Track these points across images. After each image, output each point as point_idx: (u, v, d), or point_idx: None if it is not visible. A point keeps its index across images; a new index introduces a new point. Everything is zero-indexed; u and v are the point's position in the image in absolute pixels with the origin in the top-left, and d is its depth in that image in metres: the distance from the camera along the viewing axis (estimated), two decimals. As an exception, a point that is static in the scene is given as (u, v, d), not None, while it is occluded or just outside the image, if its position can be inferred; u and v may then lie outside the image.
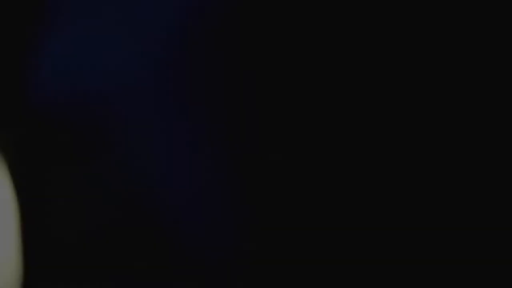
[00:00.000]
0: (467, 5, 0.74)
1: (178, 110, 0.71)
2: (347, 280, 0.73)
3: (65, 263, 0.75)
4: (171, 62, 0.71)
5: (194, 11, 0.72)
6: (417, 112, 0.74)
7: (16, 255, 0.76)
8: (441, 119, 0.74)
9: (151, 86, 0.72)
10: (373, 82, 0.74)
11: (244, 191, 0.71)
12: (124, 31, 0.73)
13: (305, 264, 0.72)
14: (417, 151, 0.73)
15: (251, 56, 0.72)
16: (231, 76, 0.71)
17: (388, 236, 0.74)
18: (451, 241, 0.74)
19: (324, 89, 0.73)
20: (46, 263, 0.76)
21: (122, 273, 0.73)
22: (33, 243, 0.76)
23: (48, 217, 0.76)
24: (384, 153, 0.74)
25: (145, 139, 0.71)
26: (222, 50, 0.71)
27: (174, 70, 0.71)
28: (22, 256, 0.76)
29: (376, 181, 0.73)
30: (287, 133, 0.71)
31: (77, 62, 0.73)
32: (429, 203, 0.73)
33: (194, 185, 0.72)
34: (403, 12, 0.74)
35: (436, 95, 0.74)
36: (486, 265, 0.74)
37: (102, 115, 0.72)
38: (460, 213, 0.74)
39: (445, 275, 0.74)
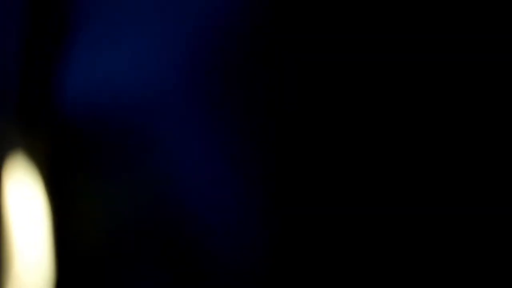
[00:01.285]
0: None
1: (208, 117, 0.71)
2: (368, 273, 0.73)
3: (92, 268, 0.75)
4: (199, 68, 0.71)
5: (222, 18, 0.72)
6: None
7: (48, 260, 0.75)
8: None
9: (180, 93, 0.71)
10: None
11: (272, 196, 0.71)
12: (155, 40, 0.72)
13: (331, 266, 0.72)
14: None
15: (278, 60, 0.72)
16: (256, 80, 0.71)
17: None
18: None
19: (344, 91, 0.73)
20: (74, 268, 0.75)
21: (148, 277, 0.73)
22: (63, 247, 0.75)
23: (78, 223, 0.75)
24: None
25: (175, 146, 0.71)
26: (248, 54, 0.71)
27: (202, 77, 0.71)
28: (53, 260, 0.75)
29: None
30: (310, 135, 0.71)
31: (108, 72, 0.73)
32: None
33: (225, 191, 0.72)
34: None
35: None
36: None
37: (132, 122, 0.71)
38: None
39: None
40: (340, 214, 0.73)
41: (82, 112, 0.72)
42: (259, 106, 0.71)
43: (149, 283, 0.72)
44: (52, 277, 0.75)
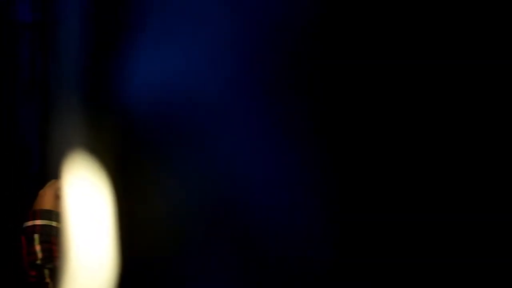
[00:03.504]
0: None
1: (263, 111, 0.71)
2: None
3: (157, 264, 0.75)
4: (254, 64, 0.71)
5: (276, 19, 0.72)
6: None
7: (111, 257, 0.76)
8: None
9: (244, 92, 0.71)
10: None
11: (331, 191, 0.70)
12: (214, 41, 0.72)
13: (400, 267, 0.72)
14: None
15: (334, 56, 0.71)
16: (314, 76, 0.70)
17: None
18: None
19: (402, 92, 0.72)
20: (136, 267, 0.75)
21: (214, 273, 0.73)
22: (128, 243, 0.75)
23: (143, 219, 0.76)
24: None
25: (239, 145, 0.71)
26: (303, 54, 0.70)
27: (259, 72, 0.70)
28: (117, 257, 0.75)
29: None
30: (373, 134, 0.71)
31: (169, 70, 0.73)
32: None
33: (279, 185, 0.71)
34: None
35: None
36: None
37: (188, 118, 0.71)
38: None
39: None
40: (393, 220, 0.72)
41: (146, 109, 0.72)
42: (321, 109, 0.70)
43: (216, 279, 0.72)
44: (116, 273, 0.75)
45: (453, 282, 0.76)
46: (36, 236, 2.11)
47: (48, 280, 2.07)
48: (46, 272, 2.08)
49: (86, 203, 0.77)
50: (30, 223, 2.14)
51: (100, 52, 0.79)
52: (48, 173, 3.34)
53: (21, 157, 3.50)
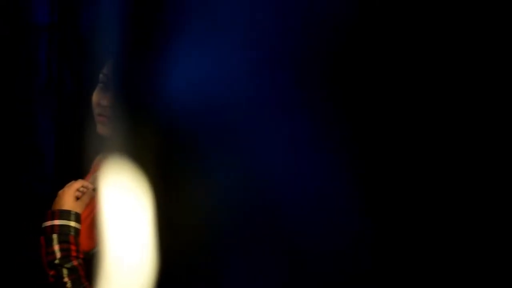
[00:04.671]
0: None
1: (301, 113, 0.72)
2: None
3: (192, 266, 0.76)
4: (291, 64, 0.72)
5: (309, 20, 0.72)
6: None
7: (150, 257, 0.76)
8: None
9: (277, 93, 0.72)
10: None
11: (367, 193, 0.71)
12: (249, 43, 0.73)
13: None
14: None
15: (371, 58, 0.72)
16: (352, 78, 0.71)
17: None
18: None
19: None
20: (174, 267, 0.76)
21: (248, 274, 0.73)
22: (164, 245, 0.76)
23: (178, 219, 0.76)
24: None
25: (268, 142, 0.72)
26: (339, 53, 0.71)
27: (296, 74, 0.71)
28: (155, 257, 0.76)
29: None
30: (407, 136, 0.71)
31: (206, 72, 0.74)
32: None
33: (315, 186, 0.72)
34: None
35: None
36: None
37: (226, 118, 0.72)
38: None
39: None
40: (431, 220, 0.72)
41: (185, 110, 0.73)
42: (357, 109, 0.71)
43: (253, 279, 0.73)
44: (154, 274, 0.76)
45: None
46: (55, 236, 2.13)
47: (66, 279, 2.09)
48: (65, 271, 2.09)
49: (124, 203, 0.78)
50: (48, 223, 2.16)
51: (139, 52, 0.81)
52: (63, 175, 3.36)
53: (37, 159, 3.52)
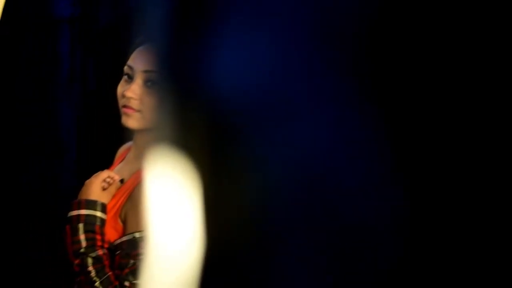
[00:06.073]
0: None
1: (345, 102, 0.73)
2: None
3: (240, 255, 0.77)
4: (336, 60, 0.73)
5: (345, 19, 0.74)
6: None
7: (197, 247, 0.78)
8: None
9: (320, 82, 0.74)
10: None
11: (411, 189, 0.73)
12: (290, 40, 0.75)
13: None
14: None
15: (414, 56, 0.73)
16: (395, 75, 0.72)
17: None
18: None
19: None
20: (221, 258, 0.78)
21: (297, 263, 0.75)
22: (211, 234, 0.78)
23: (225, 208, 0.78)
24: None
25: (315, 131, 0.73)
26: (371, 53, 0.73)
27: (338, 70, 0.73)
28: (202, 247, 0.77)
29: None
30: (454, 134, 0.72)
31: (250, 61, 0.75)
32: None
33: (359, 180, 0.74)
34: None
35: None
36: None
37: (273, 108, 0.74)
38: None
39: None
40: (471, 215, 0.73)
41: (232, 99, 0.74)
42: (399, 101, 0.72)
43: (302, 269, 0.74)
44: (200, 264, 0.77)
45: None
46: (81, 226, 2.15)
47: (90, 268, 2.11)
48: (89, 260, 2.11)
49: (171, 194, 0.79)
50: (75, 212, 2.17)
51: (185, 41, 0.82)
52: (86, 167, 3.38)
53: (60, 151, 3.55)
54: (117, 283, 2.08)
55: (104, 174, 2.23)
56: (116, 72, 2.35)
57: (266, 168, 0.80)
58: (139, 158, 2.26)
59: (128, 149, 2.40)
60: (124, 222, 2.17)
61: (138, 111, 2.17)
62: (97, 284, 2.08)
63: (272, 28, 0.80)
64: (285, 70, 0.79)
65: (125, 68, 2.24)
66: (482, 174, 0.76)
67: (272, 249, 0.81)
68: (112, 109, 2.35)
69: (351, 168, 0.77)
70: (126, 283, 2.06)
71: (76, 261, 2.13)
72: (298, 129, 0.78)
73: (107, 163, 2.46)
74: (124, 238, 2.13)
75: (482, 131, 0.75)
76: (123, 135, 2.41)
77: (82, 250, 2.12)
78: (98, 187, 2.19)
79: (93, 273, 2.10)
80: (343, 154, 0.77)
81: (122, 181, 2.25)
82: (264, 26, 0.79)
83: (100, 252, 2.11)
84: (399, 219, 0.78)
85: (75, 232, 2.14)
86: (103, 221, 2.16)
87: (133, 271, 2.07)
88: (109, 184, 2.21)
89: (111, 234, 2.16)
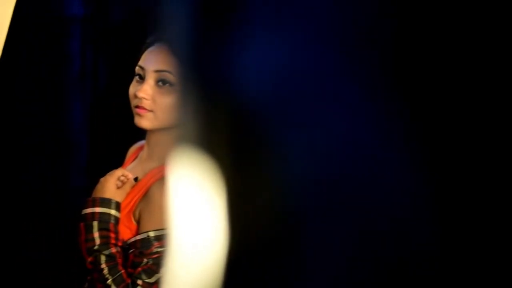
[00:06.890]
0: None
1: (372, 100, 0.74)
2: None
3: (264, 252, 0.78)
4: (363, 61, 0.75)
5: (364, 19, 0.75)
6: None
7: (221, 243, 0.79)
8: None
9: (340, 81, 0.75)
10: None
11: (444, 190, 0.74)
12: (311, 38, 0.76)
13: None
14: None
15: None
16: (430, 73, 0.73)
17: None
18: None
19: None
20: (246, 254, 0.79)
21: (321, 259, 0.76)
22: (236, 231, 0.79)
23: (250, 207, 0.79)
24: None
25: (340, 130, 0.75)
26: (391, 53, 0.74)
27: (364, 63, 0.74)
28: (227, 243, 0.79)
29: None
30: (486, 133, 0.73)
31: (275, 61, 0.76)
32: None
33: (388, 167, 0.75)
34: None
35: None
36: None
37: (297, 107, 0.75)
38: None
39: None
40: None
41: (257, 98, 0.75)
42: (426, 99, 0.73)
43: (326, 263, 0.75)
44: (225, 260, 0.78)
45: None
46: (95, 223, 2.16)
47: (103, 266, 2.12)
48: (103, 258, 2.12)
49: (195, 192, 0.80)
50: (89, 210, 2.19)
51: (208, 41, 0.83)
52: (97, 165, 3.39)
53: (71, 149, 3.56)
54: (129, 281, 2.09)
55: (119, 172, 2.24)
56: (127, 71, 2.36)
57: (289, 165, 0.80)
58: (153, 157, 2.27)
59: (140, 148, 2.41)
60: (138, 220, 2.18)
61: (151, 111, 2.18)
62: (109, 281, 2.10)
63: (297, 28, 0.80)
64: (310, 68, 0.80)
65: (136, 68, 2.25)
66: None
67: (295, 246, 0.81)
68: (122, 108, 2.36)
69: (378, 162, 0.78)
70: (139, 282, 2.07)
71: (89, 259, 2.14)
72: (322, 126, 0.79)
73: (117, 162, 2.47)
74: (138, 237, 2.14)
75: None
76: (134, 134, 2.42)
77: (95, 247, 2.13)
78: (113, 185, 2.21)
79: (106, 271, 2.11)
80: (368, 149, 0.78)
81: (136, 179, 2.26)
82: (289, 26, 0.80)
83: (113, 250, 2.12)
84: (428, 212, 0.78)
85: (89, 229, 2.15)
86: (117, 219, 2.17)
87: (146, 270, 2.08)
88: (124, 182, 2.22)
89: (125, 232, 2.17)
